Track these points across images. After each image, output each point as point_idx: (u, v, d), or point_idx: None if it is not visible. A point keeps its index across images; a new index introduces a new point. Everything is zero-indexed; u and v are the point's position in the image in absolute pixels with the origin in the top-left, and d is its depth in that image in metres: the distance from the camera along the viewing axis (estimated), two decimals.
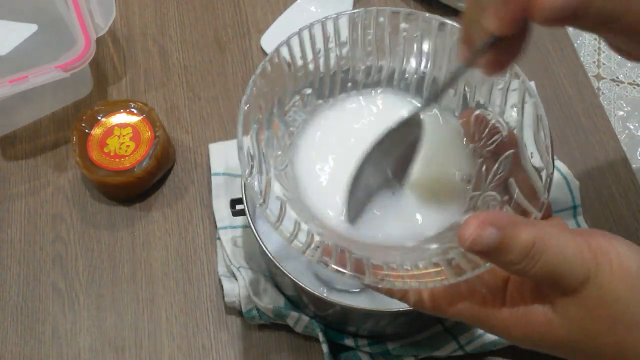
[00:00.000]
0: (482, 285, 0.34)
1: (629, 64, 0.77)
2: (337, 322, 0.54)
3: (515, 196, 0.36)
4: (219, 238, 0.59)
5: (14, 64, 0.64)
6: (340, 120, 0.44)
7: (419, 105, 0.43)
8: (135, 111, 0.61)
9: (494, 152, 0.40)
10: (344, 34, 0.43)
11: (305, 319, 0.54)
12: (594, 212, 0.61)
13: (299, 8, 0.73)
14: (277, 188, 0.38)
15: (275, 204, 0.37)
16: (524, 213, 0.35)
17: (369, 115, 0.44)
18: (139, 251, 0.60)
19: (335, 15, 0.42)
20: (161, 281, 0.58)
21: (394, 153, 0.41)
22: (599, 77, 0.75)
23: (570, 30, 0.76)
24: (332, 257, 0.34)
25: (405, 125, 0.40)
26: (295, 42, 0.41)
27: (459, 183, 0.41)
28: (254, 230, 0.50)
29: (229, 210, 0.58)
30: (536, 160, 0.36)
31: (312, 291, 0.48)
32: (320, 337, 0.53)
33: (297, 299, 0.54)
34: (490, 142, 0.41)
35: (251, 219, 0.51)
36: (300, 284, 0.48)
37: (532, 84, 0.63)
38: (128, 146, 0.60)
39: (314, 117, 0.44)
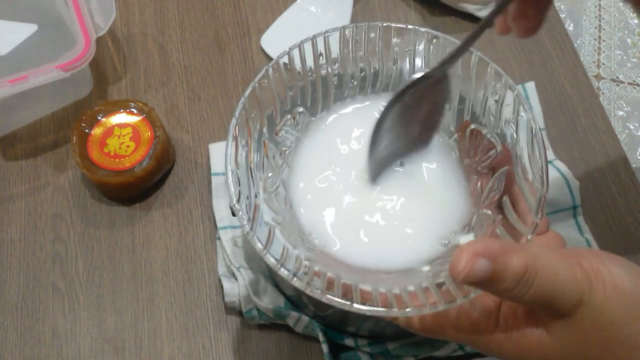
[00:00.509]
0: (475, 308, 0.34)
1: (629, 64, 0.77)
2: (337, 322, 0.54)
3: (509, 216, 0.36)
4: (219, 238, 0.59)
5: (14, 64, 0.64)
6: (333, 136, 0.43)
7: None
8: (135, 111, 0.61)
9: (489, 168, 0.40)
10: (335, 50, 0.43)
11: (305, 319, 0.54)
12: (594, 212, 0.61)
13: (299, 8, 0.73)
14: (266, 213, 0.38)
15: (264, 230, 0.37)
16: (516, 234, 0.35)
17: (363, 127, 0.43)
18: (139, 251, 0.60)
19: (325, 33, 0.42)
20: (161, 281, 0.58)
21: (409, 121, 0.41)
22: (599, 77, 0.75)
23: (570, 30, 0.76)
24: (320, 283, 0.34)
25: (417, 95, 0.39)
26: (284, 60, 0.41)
27: (454, 203, 0.41)
28: None
29: (229, 210, 0.58)
30: (531, 180, 0.36)
31: None
32: (320, 337, 0.53)
33: (297, 299, 0.54)
34: (485, 157, 0.40)
35: None
36: None
37: (532, 84, 0.63)
38: (128, 146, 0.60)
39: (307, 136, 0.44)
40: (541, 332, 0.32)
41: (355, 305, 0.33)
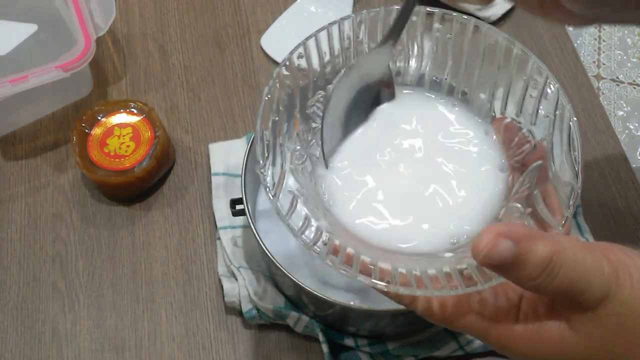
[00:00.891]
0: (495, 299, 0.33)
1: (629, 64, 0.77)
2: (337, 322, 0.54)
3: (539, 209, 0.35)
4: (219, 238, 0.59)
5: (14, 64, 0.64)
6: (368, 123, 0.43)
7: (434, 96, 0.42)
8: (135, 111, 0.61)
9: (521, 163, 0.40)
10: (376, 31, 0.42)
11: (305, 319, 0.54)
12: (594, 212, 0.61)
13: (299, 8, 0.73)
14: (291, 182, 0.38)
15: (287, 198, 0.36)
16: (545, 227, 0.34)
17: (394, 117, 0.43)
18: (139, 251, 0.60)
19: (365, 12, 0.42)
20: (161, 281, 0.58)
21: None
22: (599, 77, 0.75)
23: (570, 30, 0.76)
24: (339, 256, 0.34)
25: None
26: (323, 37, 0.41)
27: (486, 192, 0.40)
28: (254, 230, 0.50)
29: (229, 210, 0.58)
30: (564, 175, 0.36)
31: (312, 291, 0.48)
32: (320, 337, 0.53)
33: (297, 299, 0.54)
34: (519, 152, 0.40)
35: (251, 219, 0.51)
36: (300, 284, 0.48)
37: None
38: (128, 146, 0.60)
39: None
40: (563, 327, 0.31)
41: (373, 280, 0.33)
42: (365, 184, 0.40)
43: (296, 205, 0.36)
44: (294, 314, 0.54)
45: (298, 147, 0.41)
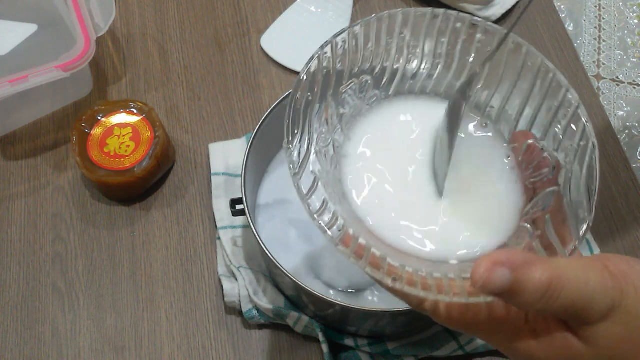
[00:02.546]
0: (504, 305, 0.33)
1: (629, 64, 0.77)
2: (337, 322, 0.54)
3: (548, 234, 0.36)
4: (219, 238, 0.59)
5: (14, 64, 0.64)
6: (393, 126, 0.43)
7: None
8: (135, 111, 0.61)
9: (538, 185, 0.40)
10: (422, 34, 0.42)
11: (305, 319, 0.54)
12: (594, 212, 0.61)
13: (299, 8, 0.73)
14: (313, 163, 0.38)
15: (309, 179, 0.36)
16: (553, 253, 0.34)
17: (421, 125, 0.43)
18: (139, 251, 0.60)
19: (415, 10, 0.42)
20: (161, 281, 0.58)
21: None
22: (599, 77, 0.75)
23: (570, 30, 0.76)
24: (351, 246, 0.34)
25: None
26: (371, 25, 0.41)
27: (501, 210, 0.40)
28: (254, 230, 0.50)
29: (229, 210, 0.58)
30: (578, 205, 0.36)
31: (312, 291, 0.48)
32: (320, 337, 0.53)
33: (297, 299, 0.54)
34: (536, 174, 0.40)
35: (251, 219, 0.51)
36: (300, 284, 0.48)
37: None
38: (128, 146, 0.60)
39: (369, 109, 0.43)
40: (572, 338, 0.31)
41: (381, 274, 0.33)
42: (385, 184, 0.40)
43: (317, 187, 0.36)
44: (294, 314, 0.54)
45: (324, 130, 0.41)
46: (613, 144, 0.65)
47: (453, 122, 0.41)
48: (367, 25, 0.41)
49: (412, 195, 0.40)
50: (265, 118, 0.54)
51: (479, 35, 0.42)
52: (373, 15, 0.41)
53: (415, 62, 0.43)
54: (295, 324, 0.54)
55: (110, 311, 0.57)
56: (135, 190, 0.61)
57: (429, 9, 0.42)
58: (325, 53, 0.40)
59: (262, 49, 0.70)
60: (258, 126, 0.54)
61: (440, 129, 0.41)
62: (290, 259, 0.55)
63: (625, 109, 0.72)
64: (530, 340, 0.32)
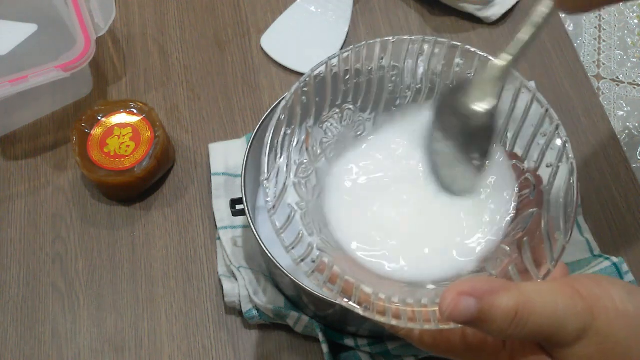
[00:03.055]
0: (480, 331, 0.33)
1: (629, 64, 0.77)
2: (337, 322, 0.54)
3: (524, 257, 0.36)
4: (219, 238, 0.59)
5: (14, 64, 0.64)
6: (379, 146, 0.43)
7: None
8: (135, 111, 0.61)
9: (519, 206, 0.40)
10: (399, 58, 0.43)
11: (305, 319, 0.54)
12: (594, 212, 0.61)
13: (299, 8, 0.73)
14: (291, 196, 0.38)
15: (285, 211, 0.37)
16: (527, 277, 0.34)
17: (409, 146, 0.43)
18: (139, 251, 0.60)
19: (393, 39, 0.42)
20: (161, 281, 0.58)
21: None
22: (599, 77, 0.75)
23: (570, 30, 0.76)
24: (324, 274, 0.34)
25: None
26: (345, 57, 0.41)
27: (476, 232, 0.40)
28: (254, 230, 0.50)
29: (229, 210, 0.58)
30: (555, 227, 0.36)
31: (312, 291, 0.48)
32: (320, 337, 0.53)
33: (297, 299, 0.54)
34: (518, 194, 0.40)
35: (251, 219, 0.51)
36: (300, 284, 0.48)
37: (532, 84, 0.63)
38: (128, 146, 0.60)
39: (352, 135, 0.44)
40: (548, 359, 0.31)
41: (351, 303, 0.33)
42: (367, 211, 0.40)
43: (292, 220, 0.36)
44: (294, 314, 0.54)
45: (305, 160, 0.41)
46: (613, 144, 0.65)
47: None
48: (345, 58, 0.41)
49: (392, 221, 0.40)
50: (265, 118, 0.54)
51: (457, 60, 0.42)
52: (350, 47, 0.41)
53: (398, 88, 0.43)
54: (295, 324, 0.54)
55: (110, 311, 0.57)
56: (135, 190, 0.61)
57: (406, 37, 0.42)
58: (304, 87, 0.40)
59: (262, 49, 0.70)
60: (258, 126, 0.54)
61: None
62: (290, 259, 0.55)
63: (625, 109, 0.72)
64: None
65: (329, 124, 0.43)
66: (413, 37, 0.42)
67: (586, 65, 0.73)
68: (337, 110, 0.43)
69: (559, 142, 0.38)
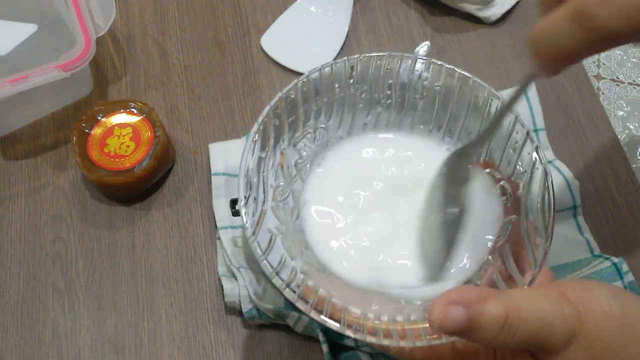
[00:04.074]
0: (470, 342, 0.33)
1: (629, 63, 0.77)
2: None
3: (507, 264, 0.36)
4: (219, 238, 0.59)
5: (14, 64, 0.64)
6: (352, 163, 0.43)
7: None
8: (135, 111, 0.61)
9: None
10: (367, 74, 0.43)
11: (305, 319, 0.54)
12: (594, 212, 0.61)
13: (299, 8, 0.73)
14: (270, 220, 0.38)
15: (266, 236, 0.37)
16: (512, 283, 0.34)
17: (382, 161, 0.43)
18: (139, 251, 0.60)
19: (360, 57, 0.42)
20: (161, 281, 0.58)
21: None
22: (599, 77, 0.75)
23: None
24: (311, 299, 0.34)
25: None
26: (315, 76, 0.41)
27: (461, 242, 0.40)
28: None
29: (229, 210, 0.58)
30: (536, 232, 0.36)
31: None
32: (320, 337, 0.53)
33: None
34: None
35: None
36: None
37: (532, 84, 0.63)
38: (128, 146, 0.60)
39: (325, 154, 0.44)
40: None
41: (341, 327, 0.33)
42: (345, 227, 0.40)
43: (273, 245, 0.36)
44: (294, 314, 0.54)
45: (281, 183, 0.41)
46: (613, 144, 0.65)
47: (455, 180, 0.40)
48: (314, 78, 0.41)
49: (374, 237, 0.40)
50: None
51: (424, 74, 0.43)
52: (318, 67, 0.42)
53: (368, 104, 0.43)
54: (295, 324, 0.54)
55: (110, 311, 0.57)
56: (135, 190, 0.61)
57: (373, 55, 0.42)
58: (276, 109, 0.40)
59: (262, 49, 0.70)
60: None
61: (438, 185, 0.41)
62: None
63: (625, 109, 0.72)
64: None
65: (303, 144, 0.43)
66: (379, 54, 0.42)
67: (586, 65, 0.73)
68: (310, 130, 0.43)
69: (529, 148, 0.38)
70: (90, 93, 0.68)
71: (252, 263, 0.57)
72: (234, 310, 0.57)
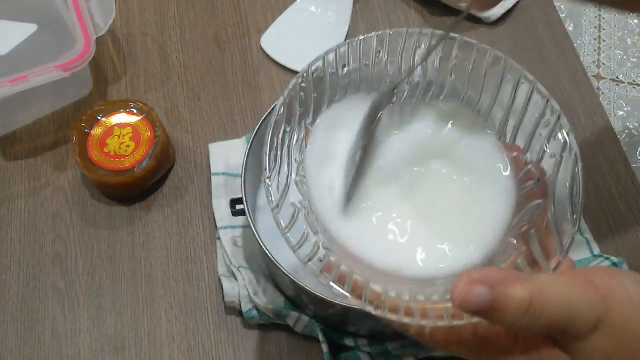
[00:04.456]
0: (491, 325, 0.33)
1: (629, 64, 0.77)
2: (337, 322, 0.54)
3: (533, 249, 0.35)
4: (219, 238, 0.59)
5: (14, 64, 0.64)
6: (351, 123, 0.43)
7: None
8: (135, 111, 0.61)
9: (523, 198, 0.39)
10: (396, 51, 0.42)
11: (305, 319, 0.54)
12: (594, 212, 0.61)
13: (299, 8, 0.73)
14: (293, 194, 0.38)
15: (289, 210, 0.37)
16: (537, 268, 0.34)
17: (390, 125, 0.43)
18: (139, 251, 0.60)
19: (390, 32, 0.42)
20: (161, 281, 0.58)
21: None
22: (599, 77, 0.75)
23: (571, 30, 0.76)
24: (332, 274, 0.34)
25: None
26: (343, 50, 0.41)
27: (484, 221, 0.40)
28: (254, 230, 0.50)
29: (229, 210, 0.58)
30: (563, 218, 0.35)
31: (312, 291, 0.48)
32: (320, 337, 0.53)
33: (297, 299, 0.54)
34: (522, 187, 0.40)
35: (251, 219, 0.51)
36: (300, 284, 0.48)
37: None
38: (128, 146, 0.60)
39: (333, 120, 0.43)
40: (560, 354, 0.31)
41: (363, 302, 0.33)
42: (368, 201, 0.40)
43: (297, 219, 0.36)
44: (294, 314, 0.54)
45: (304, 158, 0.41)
46: (613, 144, 0.65)
47: (370, 121, 0.40)
48: (342, 53, 0.41)
49: (392, 214, 0.40)
50: (265, 118, 0.54)
51: (455, 52, 0.42)
52: (347, 41, 0.41)
53: (395, 83, 0.43)
54: (295, 324, 0.54)
55: (110, 311, 0.57)
56: (135, 190, 0.61)
57: (403, 30, 0.42)
58: (302, 83, 0.40)
59: (262, 49, 0.70)
60: (258, 126, 0.54)
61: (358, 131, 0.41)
62: (290, 259, 0.55)
63: (625, 109, 0.72)
64: (519, 357, 0.32)
65: None
66: (410, 30, 0.42)
67: (586, 65, 0.73)
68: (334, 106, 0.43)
69: (562, 133, 0.38)
70: (90, 93, 0.68)
71: (252, 263, 0.57)
72: (234, 310, 0.57)
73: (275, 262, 0.48)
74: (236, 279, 0.56)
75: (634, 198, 0.62)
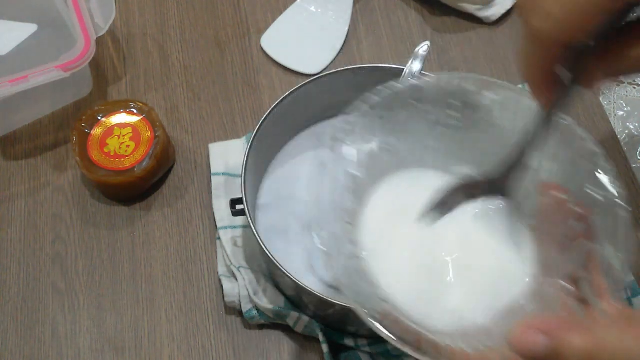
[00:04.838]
0: None
1: None
2: (337, 322, 0.54)
3: (584, 292, 0.35)
4: (219, 238, 0.59)
5: (14, 64, 0.64)
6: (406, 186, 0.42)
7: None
8: (135, 111, 0.61)
9: (564, 235, 0.39)
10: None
11: (305, 319, 0.54)
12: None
13: (299, 8, 0.73)
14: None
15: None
16: (590, 312, 0.34)
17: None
18: (139, 251, 0.60)
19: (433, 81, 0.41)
20: (161, 281, 0.58)
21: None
22: None
23: None
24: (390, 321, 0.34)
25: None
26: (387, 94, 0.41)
27: (518, 268, 0.39)
28: (254, 230, 0.50)
29: (229, 210, 0.58)
30: (612, 261, 0.35)
31: (312, 291, 0.48)
32: (320, 337, 0.53)
33: (297, 299, 0.54)
34: (563, 226, 0.39)
35: (251, 219, 0.51)
36: (301, 284, 0.48)
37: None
38: (128, 146, 0.60)
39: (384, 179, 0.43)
40: None
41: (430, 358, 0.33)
42: (400, 266, 0.39)
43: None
44: (294, 314, 0.54)
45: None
46: (613, 144, 0.65)
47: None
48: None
49: (426, 274, 0.39)
50: (265, 118, 0.54)
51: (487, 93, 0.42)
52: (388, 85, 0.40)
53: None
54: (295, 324, 0.54)
55: (110, 311, 0.57)
56: (135, 190, 0.61)
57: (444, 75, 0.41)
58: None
59: (262, 49, 0.70)
60: (258, 126, 0.54)
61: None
62: (290, 259, 0.55)
63: (625, 109, 0.72)
64: None
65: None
66: (457, 77, 0.41)
67: None
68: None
69: (606, 178, 0.37)
70: (90, 93, 0.68)
71: (252, 263, 0.57)
72: (234, 310, 0.57)
73: (275, 262, 0.48)
74: (236, 279, 0.56)
75: (634, 198, 0.62)
